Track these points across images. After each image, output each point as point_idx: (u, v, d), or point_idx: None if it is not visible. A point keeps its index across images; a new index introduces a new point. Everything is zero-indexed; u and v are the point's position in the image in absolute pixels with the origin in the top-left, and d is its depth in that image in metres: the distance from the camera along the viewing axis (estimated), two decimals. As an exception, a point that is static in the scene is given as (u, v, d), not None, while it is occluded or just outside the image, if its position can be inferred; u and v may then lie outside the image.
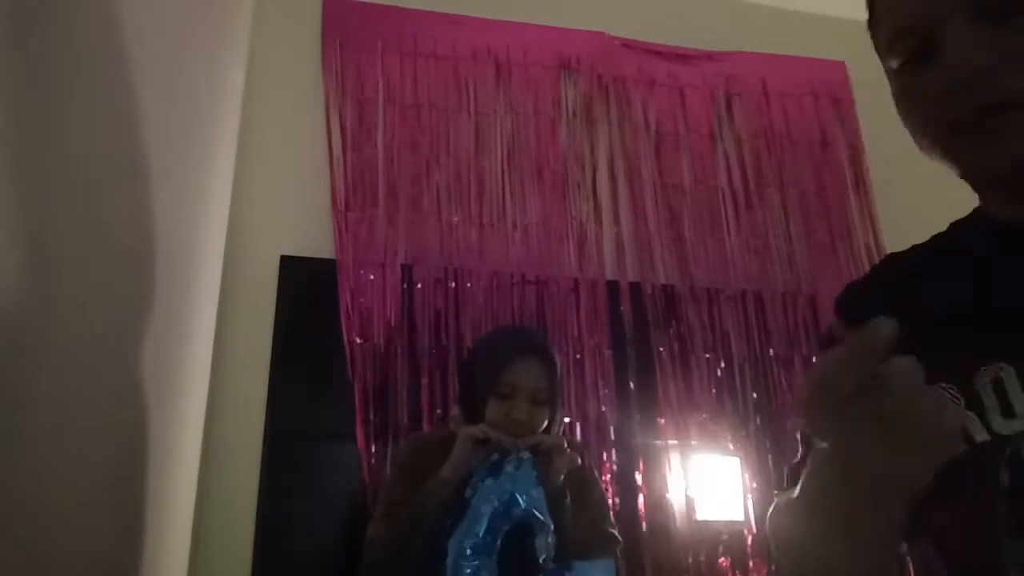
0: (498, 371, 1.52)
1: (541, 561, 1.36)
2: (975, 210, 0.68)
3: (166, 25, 1.28)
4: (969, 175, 0.62)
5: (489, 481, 1.40)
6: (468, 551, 1.32)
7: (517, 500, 1.38)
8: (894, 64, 0.63)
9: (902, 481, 0.45)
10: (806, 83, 2.77)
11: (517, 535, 1.37)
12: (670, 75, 2.75)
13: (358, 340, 2.18)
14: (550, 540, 1.37)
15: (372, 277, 2.27)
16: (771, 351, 2.50)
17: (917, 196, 2.68)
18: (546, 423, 1.54)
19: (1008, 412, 0.56)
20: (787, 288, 2.58)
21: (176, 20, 1.36)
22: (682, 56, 2.78)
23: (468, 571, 1.32)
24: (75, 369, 0.93)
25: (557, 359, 1.61)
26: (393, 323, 2.24)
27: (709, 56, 2.79)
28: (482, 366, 1.58)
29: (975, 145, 0.58)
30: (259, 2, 2.48)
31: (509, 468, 1.41)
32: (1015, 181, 0.59)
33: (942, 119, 0.60)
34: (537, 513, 1.38)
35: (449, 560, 1.33)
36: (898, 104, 0.64)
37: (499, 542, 1.35)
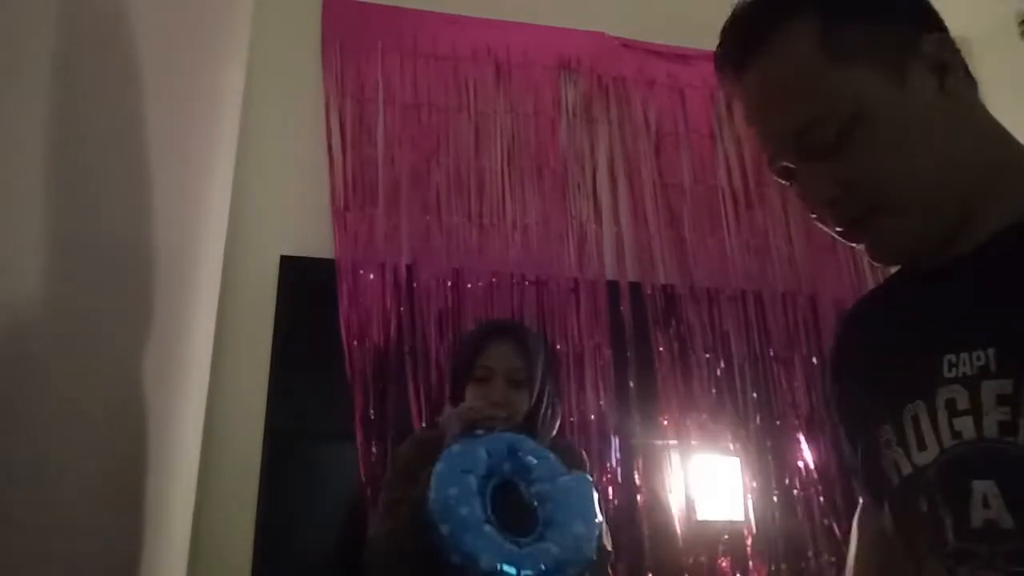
0: (474, 356, 1.54)
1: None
2: None
3: (166, 25, 1.28)
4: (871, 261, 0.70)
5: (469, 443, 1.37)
6: (455, 492, 1.28)
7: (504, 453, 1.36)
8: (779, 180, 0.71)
9: None
10: (806, 83, 2.76)
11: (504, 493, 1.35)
12: (670, 75, 2.75)
13: (357, 340, 2.18)
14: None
15: (372, 277, 2.27)
16: (771, 351, 2.50)
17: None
18: (529, 407, 1.52)
19: (922, 445, 0.62)
20: (787, 288, 2.58)
21: (176, 20, 1.36)
22: (682, 56, 2.78)
23: (453, 497, 1.26)
24: (75, 368, 0.93)
25: (532, 341, 1.59)
26: (393, 323, 2.24)
27: (709, 56, 2.76)
28: (461, 355, 1.62)
29: (862, 248, 0.66)
30: (259, 2, 2.48)
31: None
32: (905, 262, 0.69)
33: (829, 229, 0.68)
34: (528, 457, 1.36)
35: (435, 507, 1.27)
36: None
37: (488, 493, 1.32)
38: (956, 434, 0.59)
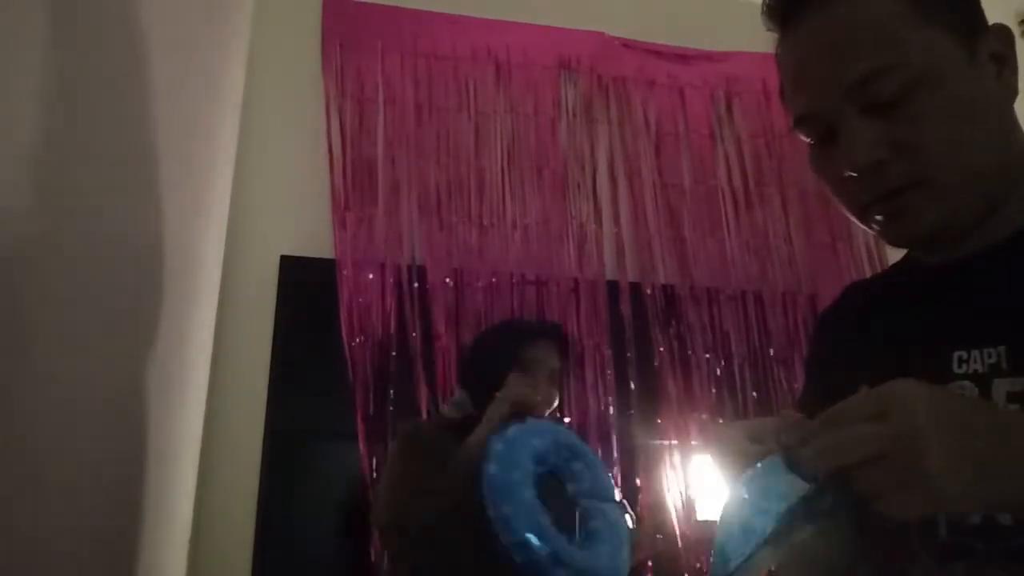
0: (523, 344, 1.56)
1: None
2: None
3: (166, 26, 1.28)
4: (885, 241, 0.68)
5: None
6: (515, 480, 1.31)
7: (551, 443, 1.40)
8: (805, 140, 0.67)
9: None
10: (806, 83, 2.76)
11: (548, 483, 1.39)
12: (670, 75, 2.75)
13: (358, 340, 2.18)
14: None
15: (372, 277, 2.27)
16: (771, 351, 2.50)
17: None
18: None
19: None
20: (787, 288, 2.58)
21: (176, 21, 1.36)
22: (682, 56, 2.78)
23: (516, 480, 1.30)
24: (75, 368, 0.93)
25: (571, 347, 1.69)
26: (393, 323, 2.24)
27: (709, 56, 2.79)
28: (504, 342, 1.61)
29: (883, 223, 0.64)
30: (259, 2, 2.48)
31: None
32: (923, 247, 0.67)
33: (850, 200, 0.65)
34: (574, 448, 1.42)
35: (496, 485, 1.29)
36: (815, 174, 0.68)
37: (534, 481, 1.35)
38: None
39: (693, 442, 2.35)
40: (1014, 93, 0.64)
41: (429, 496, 1.36)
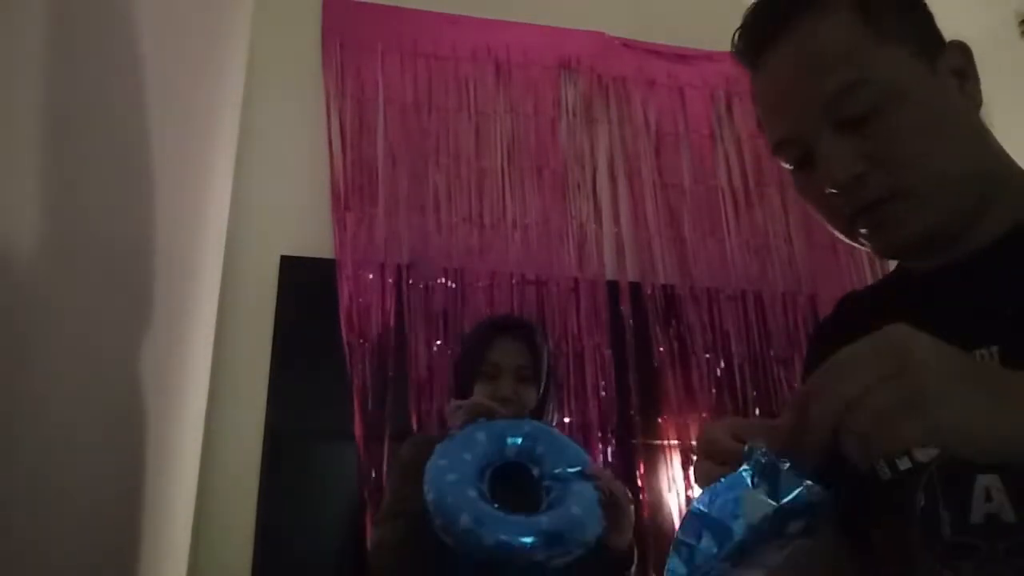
0: (482, 352, 1.55)
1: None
2: None
3: (166, 25, 1.28)
4: (874, 253, 0.70)
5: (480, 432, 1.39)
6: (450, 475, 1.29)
7: (506, 441, 1.37)
8: (785, 166, 0.70)
9: None
10: (806, 83, 2.76)
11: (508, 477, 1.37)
12: (670, 75, 2.75)
13: (358, 340, 2.18)
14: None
15: (371, 277, 2.27)
16: (771, 351, 2.50)
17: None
18: (536, 401, 1.55)
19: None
20: (787, 288, 2.58)
21: (176, 20, 1.36)
22: (682, 56, 2.78)
23: (449, 475, 1.29)
24: (76, 369, 0.93)
25: (539, 338, 1.61)
26: (392, 323, 2.24)
27: (709, 56, 2.78)
28: (467, 352, 1.62)
29: (869, 236, 0.65)
30: (259, 2, 2.48)
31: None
32: (910, 255, 0.69)
33: (835, 217, 0.67)
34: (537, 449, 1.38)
35: (430, 488, 1.29)
36: (800, 196, 0.71)
37: (486, 476, 1.34)
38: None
39: (693, 442, 2.35)
40: (978, 104, 0.67)
41: (399, 517, 1.38)
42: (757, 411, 2.42)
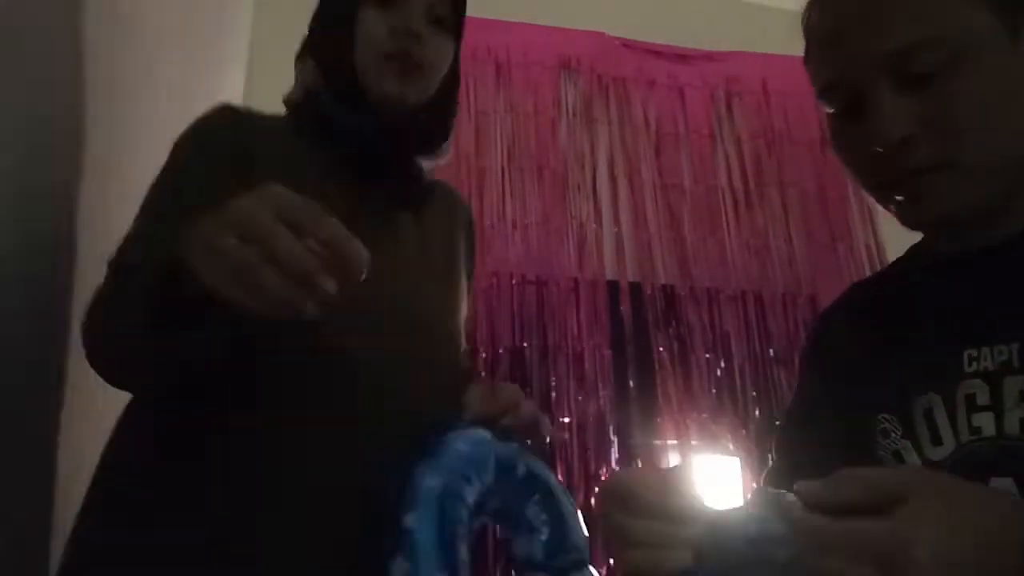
0: None
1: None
2: (923, 241, 0.72)
3: (166, 26, 1.28)
4: (900, 222, 0.65)
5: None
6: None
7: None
8: (827, 110, 0.65)
9: None
10: (806, 83, 2.74)
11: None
12: (670, 75, 2.75)
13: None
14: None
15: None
16: (771, 351, 2.50)
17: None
18: (442, 84, 0.99)
19: (937, 440, 0.60)
20: (787, 288, 2.58)
21: (176, 21, 1.36)
22: (682, 56, 2.78)
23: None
24: (79, 370, 0.93)
25: None
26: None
27: (709, 56, 2.79)
28: None
29: (902, 204, 0.62)
30: (259, 2, 2.48)
31: (459, 445, 0.75)
32: (940, 231, 0.65)
33: (870, 175, 0.63)
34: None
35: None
36: (833, 147, 0.66)
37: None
38: (975, 430, 0.57)
39: (693, 442, 2.35)
40: None
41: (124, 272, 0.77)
42: (757, 412, 2.42)
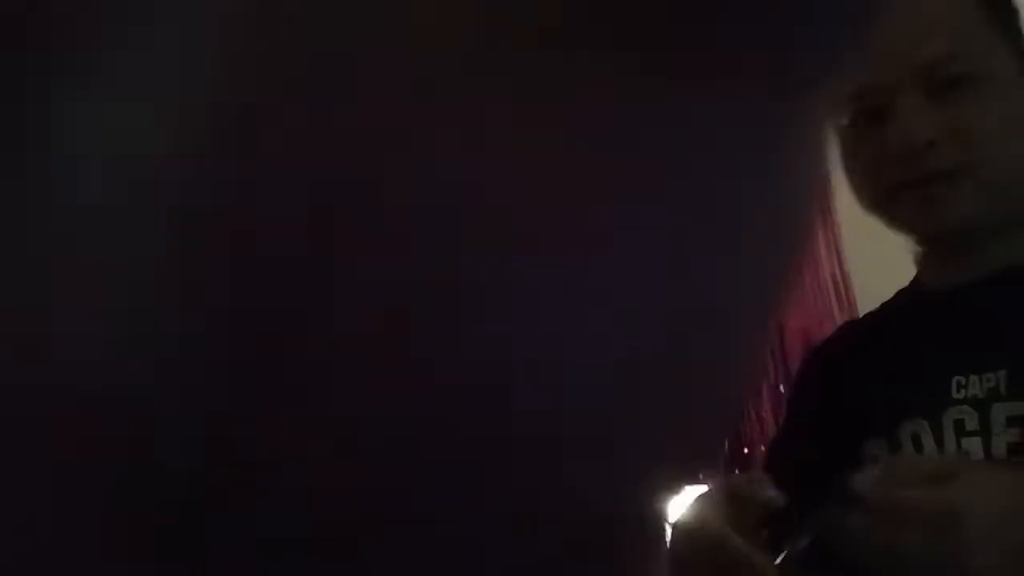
0: None
1: None
2: (915, 277, 0.75)
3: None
4: (907, 234, 0.69)
5: None
6: None
7: None
8: (843, 120, 0.68)
9: None
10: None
11: None
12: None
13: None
14: None
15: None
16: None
17: (883, 228, 2.71)
18: None
19: None
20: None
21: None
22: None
23: None
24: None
25: None
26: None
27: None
28: None
29: (914, 209, 0.65)
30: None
31: None
32: (948, 244, 0.67)
33: (883, 181, 0.66)
34: None
35: None
36: (843, 159, 0.69)
37: None
38: (964, 455, 0.59)
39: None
40: None
41: None
42: (725, 441, 2.41)
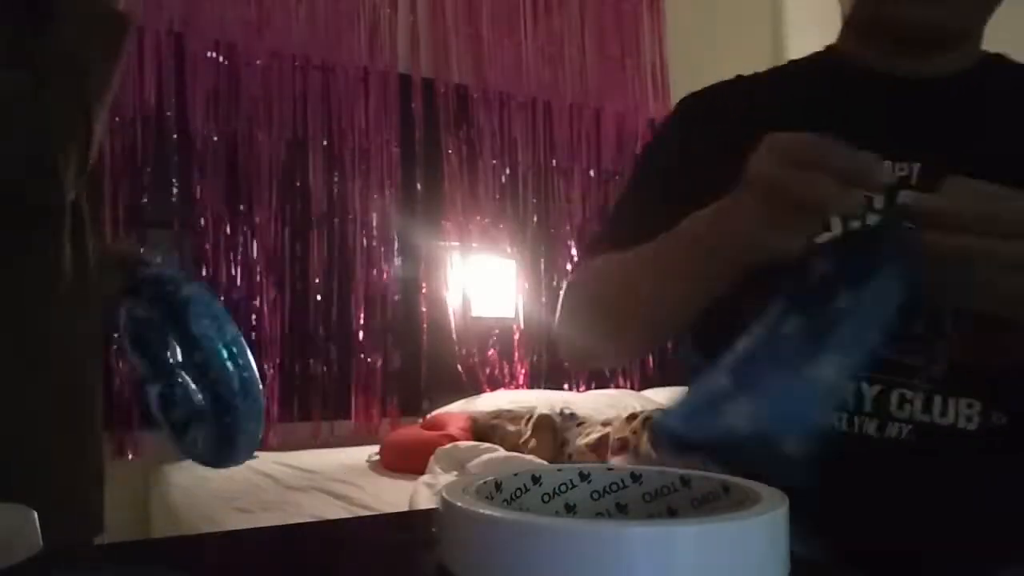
0: None
1: None
2: (827, 49, 0.71)
3: None
4: (861, 22, 0.65)
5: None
6: None
7: None
8: None
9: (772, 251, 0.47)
10: None
11: None
12: None
13: (113, 118, 1.91)
14: None
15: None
16: (554, 161, 2.58)
17: (705, 20, 2.77)
18: None
19: (826, 227, 0.62)
20: (575, 100, 2.62)
21: None
22: None
23: None
24: None
25: None
26: (153, 99, 1.98)
27: None
28: None
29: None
30: None
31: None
32: (902, 36, 0.63)
33: None
34: None
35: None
36: None
37: None
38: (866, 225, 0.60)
39: (474, 244, 2.43)
40: None
41: None
42: (535, 218, 2.53)
